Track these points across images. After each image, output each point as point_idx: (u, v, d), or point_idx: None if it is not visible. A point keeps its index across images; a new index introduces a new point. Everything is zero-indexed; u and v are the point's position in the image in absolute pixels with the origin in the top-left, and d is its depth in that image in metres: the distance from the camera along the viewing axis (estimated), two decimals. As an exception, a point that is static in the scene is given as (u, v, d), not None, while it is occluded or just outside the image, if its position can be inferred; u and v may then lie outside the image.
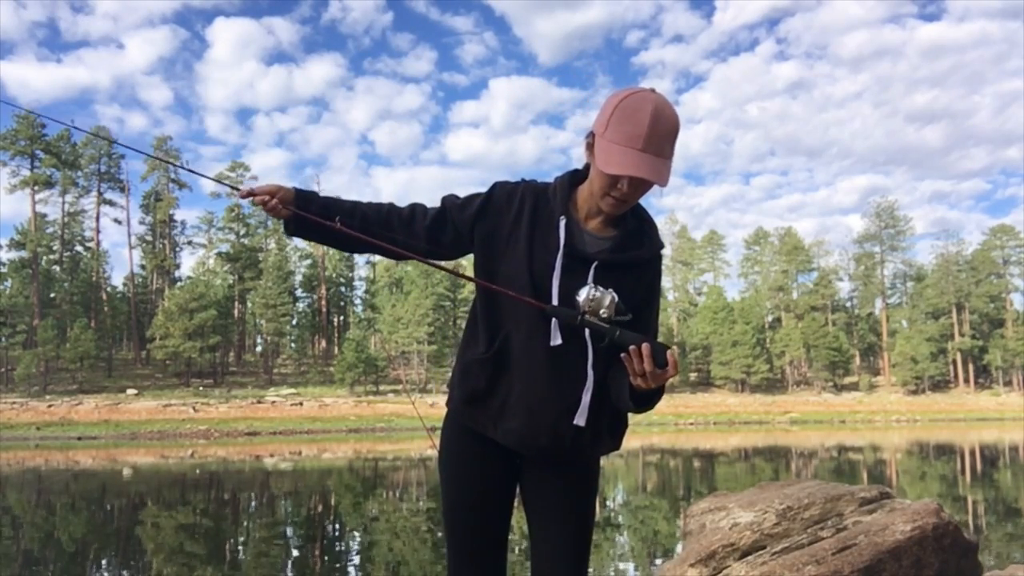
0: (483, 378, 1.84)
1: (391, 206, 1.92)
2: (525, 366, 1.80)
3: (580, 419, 1.79)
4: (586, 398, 1.79)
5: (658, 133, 1.67)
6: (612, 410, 1.85)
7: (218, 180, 2.22)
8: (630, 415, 1.93)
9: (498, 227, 1.85)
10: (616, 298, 1.70)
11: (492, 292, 1.82)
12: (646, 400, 1.70)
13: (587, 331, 1.76)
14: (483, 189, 1.91)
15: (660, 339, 1.72)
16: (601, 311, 1.69)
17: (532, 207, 1.84)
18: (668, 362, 1.60)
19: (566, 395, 1.79)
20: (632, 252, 1.82)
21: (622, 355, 1.63)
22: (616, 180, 1.71)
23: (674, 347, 1.62)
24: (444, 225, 1.89)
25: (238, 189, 1.86)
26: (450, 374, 1.98)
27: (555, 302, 1.75)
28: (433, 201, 1.94)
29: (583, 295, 1.70)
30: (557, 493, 1.88)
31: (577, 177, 1.87)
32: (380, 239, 1.86)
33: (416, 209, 1.91)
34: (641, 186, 1.72)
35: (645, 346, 1.60)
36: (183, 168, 2.11)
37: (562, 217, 1.81)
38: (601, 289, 1.70)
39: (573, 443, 1.81)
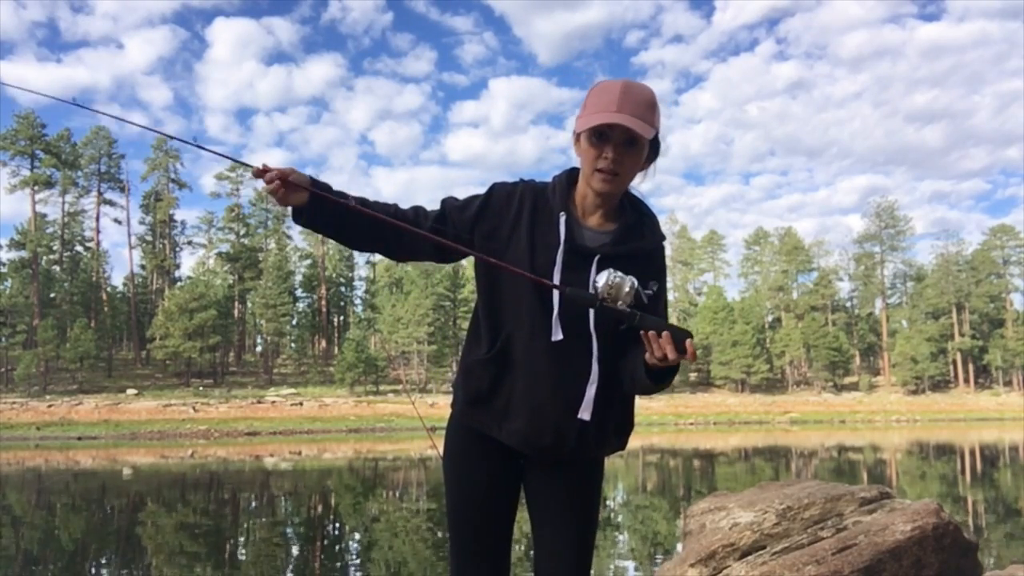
0: (486, 379, 1.84)
1: (396, 206, 1.92)
2: (528, 365, 1.80)
3: (584, 413, 1.78)
4: (590, 392, 1.78)
5: (630, 98, 1.71)
6: (620, 409, 1.85)
7: (234, 159, 2.03)
8: (634, 416, 1.93)
9: (498, 227, 1.85)
10: (636, 283, 1.69)
11: (494, 293, 1.83)
12: (662, 377, 1.70)
13: (592, 325, 1.76)
14: (483, 189, 1.92)
15: None
16: (622, 297, 1.66)
17: (532, 206, 1.84)
18: (687, 350, 1.60)
19: (569, 392, 1.79)
20: (633, 243, 1.83)
21: (643, 333, 1.63)
22: (600, 150, 1.73)
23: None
24: (445, 227, 1.89)
25: (252, 166, 1.76)
26: (451, 374, 1.98)
27: (557, 299, 1.76)
28: (433, 202, 1.96)
29: (602, 280, 1.67)
30: (560, 492, 1.88)
31: (575, 175, 1.88)
32: (391, 229, 1.83)
33: (419, 211, 1.91)
34: (627, 154, 1.74)
35: (666, 334, 1.61)
36: (217, 154, 1.96)
37: (562, 213, 1.81)
38: (620, 275, 1.68)
39: (577, 441, 1.80)
